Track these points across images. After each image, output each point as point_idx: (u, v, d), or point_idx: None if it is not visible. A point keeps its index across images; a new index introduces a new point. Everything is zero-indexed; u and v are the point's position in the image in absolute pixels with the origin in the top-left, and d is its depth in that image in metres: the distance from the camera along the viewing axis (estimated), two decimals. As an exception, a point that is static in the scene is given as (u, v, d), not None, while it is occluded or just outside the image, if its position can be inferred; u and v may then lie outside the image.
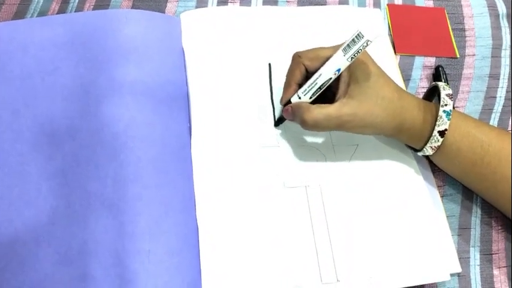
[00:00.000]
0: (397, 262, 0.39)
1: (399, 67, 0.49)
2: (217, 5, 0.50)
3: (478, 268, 0.41)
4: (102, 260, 0.35)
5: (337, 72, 0.37)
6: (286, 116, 0.41)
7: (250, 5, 0.50)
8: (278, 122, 0.43)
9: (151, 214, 0.37)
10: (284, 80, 0.45)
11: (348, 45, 0.36)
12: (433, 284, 0.39)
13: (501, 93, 0.49)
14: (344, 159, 0.43)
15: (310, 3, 0.51)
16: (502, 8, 0.53)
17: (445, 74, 0.48)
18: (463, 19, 0.53)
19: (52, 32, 0.43)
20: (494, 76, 0.50)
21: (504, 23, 0.53)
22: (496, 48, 0.51)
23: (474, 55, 0.51)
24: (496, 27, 0.52)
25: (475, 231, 0.42)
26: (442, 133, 0.38)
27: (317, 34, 0.49)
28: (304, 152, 0.42)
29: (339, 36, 0.48)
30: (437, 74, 0.49)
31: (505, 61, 0.51)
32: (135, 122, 0.40)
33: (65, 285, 0.35)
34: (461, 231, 0.42)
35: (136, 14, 0.45)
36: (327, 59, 0.38)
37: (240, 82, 0.45)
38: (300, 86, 0.40)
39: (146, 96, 0.41)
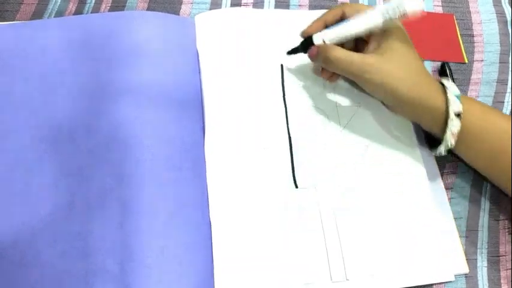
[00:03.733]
0: (404, 262, 0.39)
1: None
2: (231, 7, 0.51)
3: (485, 270, 0.42)
4: (117, 256, 0.36)
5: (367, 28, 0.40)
6: (311, 55, 0.42)
7: (263, 7, 0.51)
8: (291, 52, 0.44)
9: (166, 211, 0.38)
10: (295, 81, 0.46)
11: (386, 9, 0.38)
12: (440, 284, 0.40)
13: (509, 98, 0.50)
14: (354, 161, 0.43)
15: (322, 7, 0.52)
16: (510, 15, 0.54)
17: (450, 69, 0.49)
18: (472, 25, 0.53)
19: (70, 33, 0.44)
20: (502, 81, 0.50)
21: (512, 30, 0.54)
22: (504, 54, 0.52)
23: (482, 60, 0.52)
24: (504, 34, 0.53)
25: (482, 233, 0.43)
26: (458, 116, 0.38)
27: None
28: (314, 153, 0.43)
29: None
30: (442, 70, 0.49)
31: (512, 67, 0.52)
32: (150, 122, 0.41)
33: (81, 279, 0.36)
34: (469, 233, 0.43)
35: (152, 16, 0.46)
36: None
37: (253, 83, 0.45)
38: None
39: (161, 97, 0.42)
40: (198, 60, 0.46)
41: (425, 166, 0.44)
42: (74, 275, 0.36)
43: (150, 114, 0.41)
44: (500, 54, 0.52)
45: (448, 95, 0.39)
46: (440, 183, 0.44)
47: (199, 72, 0.45)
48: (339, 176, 0.42)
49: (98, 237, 0.37)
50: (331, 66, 0.41)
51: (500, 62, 0.51)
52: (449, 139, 0.39)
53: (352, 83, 0.44)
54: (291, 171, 0.42)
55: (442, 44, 0.52)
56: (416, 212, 0.42)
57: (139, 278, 0.35)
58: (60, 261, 0.36)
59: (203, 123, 0.43)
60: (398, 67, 0.39)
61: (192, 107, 0.43)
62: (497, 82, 0.50)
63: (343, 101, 0.46)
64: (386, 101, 0.42)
